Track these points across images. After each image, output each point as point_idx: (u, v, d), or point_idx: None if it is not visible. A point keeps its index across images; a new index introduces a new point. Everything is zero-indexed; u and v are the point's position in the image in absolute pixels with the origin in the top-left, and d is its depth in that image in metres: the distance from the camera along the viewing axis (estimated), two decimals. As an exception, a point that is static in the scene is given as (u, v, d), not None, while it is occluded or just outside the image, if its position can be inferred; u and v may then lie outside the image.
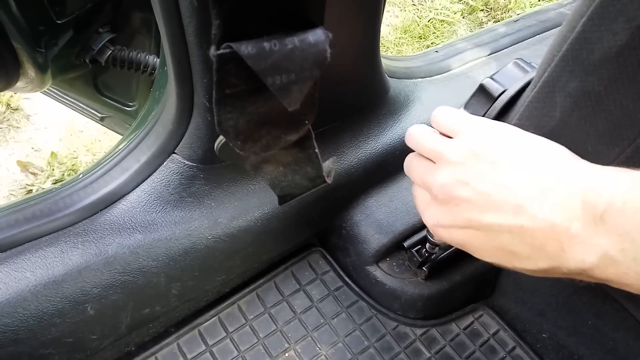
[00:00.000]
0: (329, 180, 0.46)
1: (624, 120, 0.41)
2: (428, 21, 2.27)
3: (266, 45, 0.29)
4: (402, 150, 0.72)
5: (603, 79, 0.41)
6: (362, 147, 0.68)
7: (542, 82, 0.46)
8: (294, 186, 0.44)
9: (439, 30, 2.25)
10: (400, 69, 0.78)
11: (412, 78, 0.79)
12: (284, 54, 0.29)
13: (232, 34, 0.28)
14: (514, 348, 0.70)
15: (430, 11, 2.32)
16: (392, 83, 0.72)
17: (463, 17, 2.34)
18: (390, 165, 0.71)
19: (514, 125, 0.50)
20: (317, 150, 0.42)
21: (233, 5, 0.28)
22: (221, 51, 0.28)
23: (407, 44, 2.16)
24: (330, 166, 0.46)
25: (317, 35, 0.30)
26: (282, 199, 0.46)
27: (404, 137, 0.72)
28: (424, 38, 2.20)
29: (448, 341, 0.69)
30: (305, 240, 0.74)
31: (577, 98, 0.43)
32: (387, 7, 2.31)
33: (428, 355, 0.67)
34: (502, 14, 2.33)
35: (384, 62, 0.70)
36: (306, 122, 0.36)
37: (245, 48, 0.28)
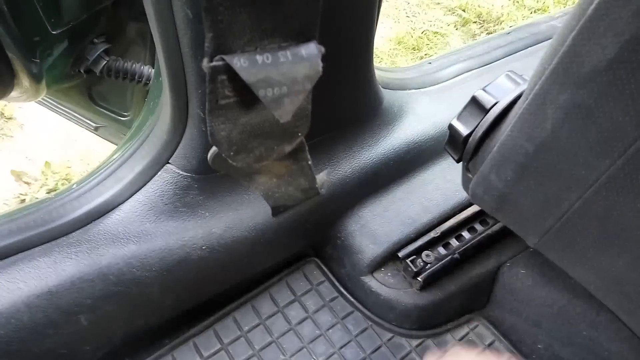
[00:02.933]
0: (322, 192, 0.46)
1: (614, 132, 0.42)
2: (422, 33, 2.29)
3: (258, 58, 0.29)
4: (396, 161, 0.72)
5: (593, 91, 0.41)
6: (356, 158, 0.68)
7: (533, 95, 0.47)
8: (287, 197, 0.45)
9: (432, 42, 2.27)
10: (394, 80, 0.79)
11: (405, 89, 0.80)
12: (276, 68, 0.29)
13: (224, 46, 0.29)
14: (508, 358, 0.70)
15: (423, 23, 2.35)
16: (386, 94, 0.73)
17: (456, 29, 2.36)
18: (384, 176, 0.72)
19: (506, 136, 0.51)
20: (310, 162, 0.42)
21: (226, 17, 0.28)
22: (214, 63, 0.29)
23: (401, 55, 2.18)
24: (324, 178, 0.47)
25: (309, 50, 0.31)
26: (276, 210, 0.46)
27: (398, 147, 0.73)
28: (417, 49, 2.22)
29: (443, 351, 0.69)
30: (300, 251, 0.74)
31: (568, 110, 0.44)
32: (381, 18, 2.34)
33: (423, 366, 0.67)
34: (494, 26, 2.36)
35: (378, 74, 0.71)
36: (299, 134, 0.36)
37: (238, 61, 0.28)
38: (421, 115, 0.77)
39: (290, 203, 0.45)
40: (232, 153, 0.34)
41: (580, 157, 0.44)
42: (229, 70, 0.29)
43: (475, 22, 2.39)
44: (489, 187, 0.55)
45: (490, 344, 0.71)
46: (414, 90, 0.81)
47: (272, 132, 0.34)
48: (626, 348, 0.64)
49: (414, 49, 2.22)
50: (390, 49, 2.19)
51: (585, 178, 0.45)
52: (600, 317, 0.65)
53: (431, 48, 2.24)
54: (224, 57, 0.28)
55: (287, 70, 0.30)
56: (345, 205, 0.71)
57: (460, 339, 0.70)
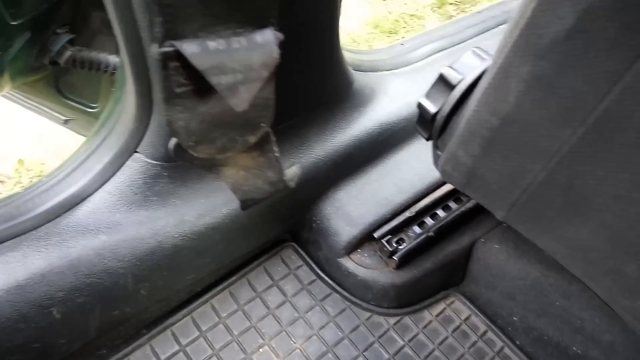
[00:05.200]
0: (291, 185, 0.46)
1: (574, 102, 0.42)
2: (398, 16, 2.29)
3: (211, 44, 0.28)
4: (370, 142, 0.72)
5: (553, 62, 0.42)
6: (329, 141, 0.68)
7: (497, 69, 0.47)
8: (255, 191, 0.44)
9: (409, 25, 2.27)
10: (365, 62, 0.79)
11: (377, 71, 0.79)
12: (230, 54, 0.29)
13: (174, 31, 0.28)
14: (485, 332, 0.72)
15: (399, 6, 2.34)
16: (357, 76, 0.72)
17: (433, 11, 2.36)
18: (358, 158, 0.72)
19: (473, 112, 0.52)
20: (277, 154, 0.42)
21: (174, 1, 0.27)
22: (163, 49, 0.28)
23: (378, 39, 2.17)
24: (295, 171, 0.46)
25: (265, 36, 0.30)
26: (244, 204, 0.45)
27: (370, 129, 0.73)
28: (394, 33, 2.21)
29: (421, 328, 0.70)
30: (277, 236, 0.74)
31: (530, 82, 0.44)
32: (356, 1, 2.32)
33: (402, 343, 0.68)
34: (471, 7, 2.37)
35: (348, 56, 0.70)
36: (263, 124, 0.35)
37: (189, 46, 0.28)
38: (393, 96, 0.77)
39: (259, 196, 0.45)
40: (192, 143, 0.33)
41: (543, 128, 0.45)
42: (180, 56, 0.28)
43: (451, 3, 2.39)
44: (457, 163, 0.55)
45: (466, 319, 0.72)
46: (385, 72, 0.81)
47: (234, 122, 0.34)
48: (598, 316, 0.65)
49: (390, 32, 2.21)
50: (367, 33, 2.18)
51: (548, 149, 0.45)
52: (572, 287, 0.67)
53: (408, 31, 2.24)
54: (174, 42, 0.28)
55: (241, 56, 0.29)
56: (320, 189, 0.71)
57: (438, 315, 0.71)
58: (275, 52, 0.30)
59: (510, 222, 0.55)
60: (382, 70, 0.80)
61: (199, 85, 0.30)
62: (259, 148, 0.39)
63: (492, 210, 0.56)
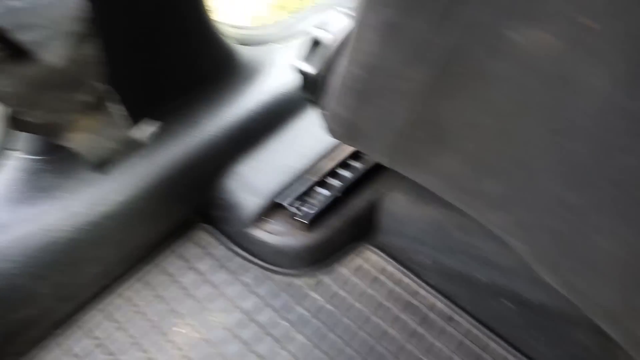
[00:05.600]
0: (146, 142, 0.46)
1: (423, 44, 0.45)
2: (305, -5, 2.30)
3: (11, 3, 0.28)
4: (264, 114, 0.74)
5: (399, 9, 0.45)
6: (220, 116, 0.68)
7: (357, 23, 0.50)
8: (107, 151, 0.44)
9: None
10: (253, 37, 0.79)
11: (266, 44, 0.80)
12: (34, 11, 0.29)
13: None
14: (400, 278, 0.76)
15: (305, -15, 2.35)
16: (243, 50, 0.73)
17: (340, -12, 2.39)
18: (255, 130, 0.73)
19: (344, 68, 0.54)
20: (120, 112, 0.41)
21: None
22: None
23: (287, 20, 2.17)
24: (148, 128, 0.46)
25: None
26: (100, 166, 0.45)
27: (263, 101, 0.74)
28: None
29: (340, 284, 0.73)
30: (183, 218, 0.74)
31: (382, 31, 0.47)
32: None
33: (322, 301, 0.70)
34: (373, -21, 2.41)
35: (233, 31, 0.71)
36: (92, 81, 0.36)
37: None
38: (285, 67, 0.78)
39: (112, 157, 0.44)
40: (24, 109, 0.33)
41: (401, 72, 0.48)
42: None
43: (355, -22, 2.42)
44: (340, 119, 0.57)
45: (382, 269, 0.76)
46: (275, 45, 0.82)
47: (63, 82, 0.34)
48: (497, 245, 0.70)
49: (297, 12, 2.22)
50: (273, 14, 2.17)
51: (410, 91, 0.49)
52: (469, 222, 0.71)
53: (316, 9, 2.25)
54: None
55: (46, 12, 0.29)
56: (220, 165, 0.71)
57: (353, 270, 0.75)
58: (79, 6, 0.30)
59: (395, 167, 0.58)
60: (270, 44, 0.81)
61: (15, 47, 0.30)
62: (99, 108, 0.39)
63: (378, 159, 0.59)
